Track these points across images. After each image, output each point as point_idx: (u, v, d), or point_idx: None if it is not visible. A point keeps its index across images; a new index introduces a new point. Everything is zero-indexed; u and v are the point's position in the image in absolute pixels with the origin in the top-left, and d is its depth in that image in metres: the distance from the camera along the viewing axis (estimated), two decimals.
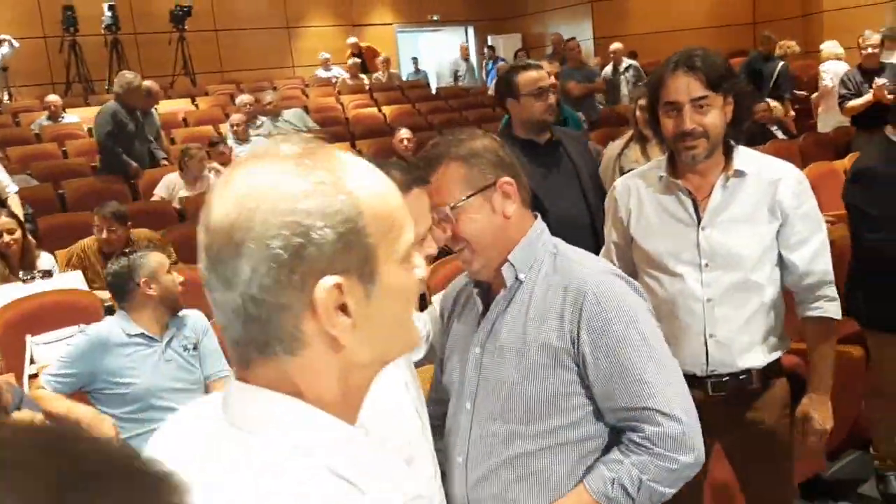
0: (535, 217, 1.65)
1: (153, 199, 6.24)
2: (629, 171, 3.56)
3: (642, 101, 3.56)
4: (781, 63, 9.20)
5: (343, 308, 0.76)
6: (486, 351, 1.60)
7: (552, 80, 3.92)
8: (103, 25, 11.12)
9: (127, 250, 3.10)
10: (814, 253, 2.12)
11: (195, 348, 3.00)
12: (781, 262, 2.14)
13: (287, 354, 0.76)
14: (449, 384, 1.70)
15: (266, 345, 0.76)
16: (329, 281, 0.74)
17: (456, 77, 13.56)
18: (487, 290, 1.66)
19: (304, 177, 0.74)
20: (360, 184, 0.77)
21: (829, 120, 8.11)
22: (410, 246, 0.82)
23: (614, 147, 3.72)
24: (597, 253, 3.11)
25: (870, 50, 6.67)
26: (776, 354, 2.17)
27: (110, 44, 11.23)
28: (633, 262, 2.26)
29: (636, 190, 2.23)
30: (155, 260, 2.98)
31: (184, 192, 6.22)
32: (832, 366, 2.20)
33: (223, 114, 9.90)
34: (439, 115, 10.00)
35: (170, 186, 6.25)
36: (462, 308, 1.72)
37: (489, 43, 14.67)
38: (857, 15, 11.10)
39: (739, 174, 2.09)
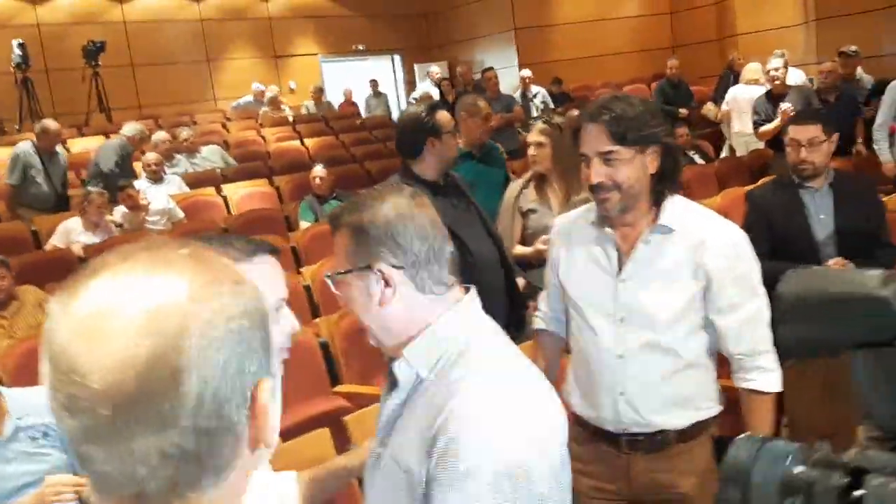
0: (456, 301, 1.35)
1: (47, 247, 5.93)
2: (528, 211, 3.51)
3: (538, 138, 3.48)
4: (730, 70, 9.78)
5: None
6: (382, 453, 1.36)
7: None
8: (13, 63, 10.73)
9: None
10: (746, 320, 1.98)
11: (46, 435, 2.52)
12: (713, 326, 2.02)
13: (213, 487, 0.68)
14: None
15: (196, 481, 0.67)
16: (266, 385, 0.71)
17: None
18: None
19: (220, 283, 0.68)
20: (250, 277, 0.74)
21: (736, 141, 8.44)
22: None
23: (514, 187, 3.62)
24: (512, 290, 3.19)
25: (772, 74, 6.83)
26: (698, 417, 2.04)
27: (20, 82, 10.82)
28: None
29: (569, 233, 2.14)
30: None
31: (84, 239, 5.94)
32: None
33: (139, 151, 9.59)
34: (363, 147, 9.87)
35: (66, 234, 5.96)
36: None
37: (416, 71, 14.64)
38: (771, 37, 11.37)
39: (665, 230, 1.98)
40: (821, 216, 3.04)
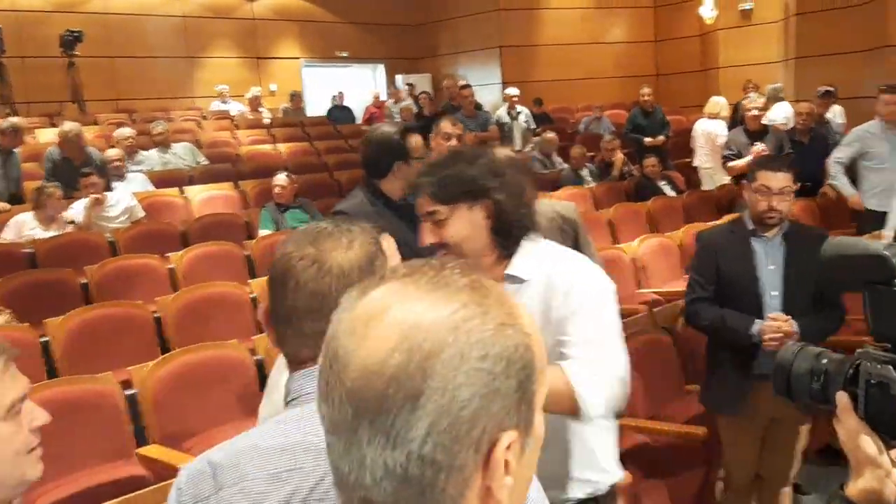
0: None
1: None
2: None
3: None
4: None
5: (506, 465, 0.67)
6: None
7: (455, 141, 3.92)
8: None
9: None
10: (588, 358, 1.71)
11: None
12: None
13: None
14: None
15: None
16: (508, 438, 0.66)
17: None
18: None
19: (486, 317, 0.66)
20: (530, 324, 0.70)
21: (706, 177, 8.31)
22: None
23: None
24: None
25: (754, 112, 6.76)
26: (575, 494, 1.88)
27: None
28: None
29: None
30: None
31: (37, 233, 5.78)
32: None
33: (108, 145, 9.42)
34: (336, 156, 9.74)
35: (18, 227, 5.79)
36: None
37: (398, 82, 14.56)
38: (751, 72, 11.41)
39: (515, 279, 1.81)
40: (770, 266, 2.92)
